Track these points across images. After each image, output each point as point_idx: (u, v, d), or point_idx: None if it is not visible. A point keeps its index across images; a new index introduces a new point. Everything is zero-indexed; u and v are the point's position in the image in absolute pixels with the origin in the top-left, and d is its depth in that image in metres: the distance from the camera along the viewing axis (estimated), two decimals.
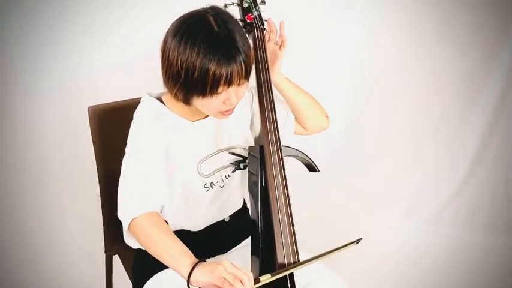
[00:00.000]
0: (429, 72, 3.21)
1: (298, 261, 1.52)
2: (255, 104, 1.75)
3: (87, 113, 1.88)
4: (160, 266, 1.60)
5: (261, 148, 1.58)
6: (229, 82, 1.41)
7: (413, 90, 3.25)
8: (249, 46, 1.47)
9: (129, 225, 1.46)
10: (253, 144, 1.75)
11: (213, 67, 1.37)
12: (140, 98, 1.63)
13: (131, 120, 1.58)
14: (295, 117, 1.80)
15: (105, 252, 2.03)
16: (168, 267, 1.47)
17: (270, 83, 1.63)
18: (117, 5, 2.64)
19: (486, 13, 3.05)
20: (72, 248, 2.83)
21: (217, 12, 1.45)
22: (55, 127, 2.73)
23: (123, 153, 1.56)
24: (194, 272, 1.32)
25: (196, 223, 1.73)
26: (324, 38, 3.06)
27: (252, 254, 1.59)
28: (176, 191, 1.63)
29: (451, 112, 3.28)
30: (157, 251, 1.42)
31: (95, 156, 1.90)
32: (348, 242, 1.47)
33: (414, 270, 2.91)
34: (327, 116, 1.84)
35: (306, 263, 1.45)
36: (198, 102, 1.47)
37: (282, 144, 1.60)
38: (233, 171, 1.72)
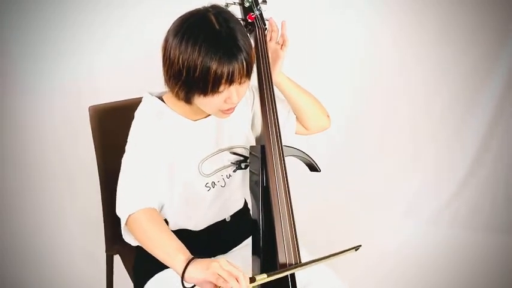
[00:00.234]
0: (429, 72, 3.21)
1: (300, 261, 1.52)
2: (256, 103, 1.75)
3: (87, 113, 1.88)
4: (161, 266, 1.60)
5: (262, 148, 1.59)
6: (230, 81, 1.41)
7: (413, 90, 3.25)
8: (251, 45, 1.48)
9: (127, 221, 1.46)
10: (254, 144, 1.75)
11: (214, 66, 1.37)
12: (141, 98, 1.63)
13: (132, 119, 1.58)
14: (296, 117, 1.80)
15: (106, 252, 2.03)
16: (169, 267, 1.47)
17: (272, 82, 1.63)
18: (117, 5, 2.63)
19: (486, 13, 3.05)
20: (72, 248, 2.83)
21: (218, 11, 1.45)
22: (55, 127, 2.73)
23: (124, 152, 1.56)
24: (189, 268, 1.32)
25: (197, 223, 1.73)
26: (324, 38, 3.06)
27: (253, 253, 1.60)
28: (177, 191, 1.63)
29: (451, 112, 3.29)
30: (153, 247, 1.42)
31: (96, 156, 1.91)
32: (346, 248, 1.47)
33: (414, 270, 2.91)
34: (328, 116, 1.84)
35: (304, 266, 1.44)
36: (199, 101, 1.47)
37: (283, 144, 1.60)
38: (234, 171, 1.72)
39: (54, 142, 2.76)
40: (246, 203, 1.91)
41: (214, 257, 1.78)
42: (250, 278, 1.30)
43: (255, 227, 1.59)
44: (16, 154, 2.73)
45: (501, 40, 3.10)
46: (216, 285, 1.29)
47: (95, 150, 1.90)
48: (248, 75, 1.47)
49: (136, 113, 1.59)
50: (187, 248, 1.45)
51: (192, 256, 1.36)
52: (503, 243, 3.10)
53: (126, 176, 1.52)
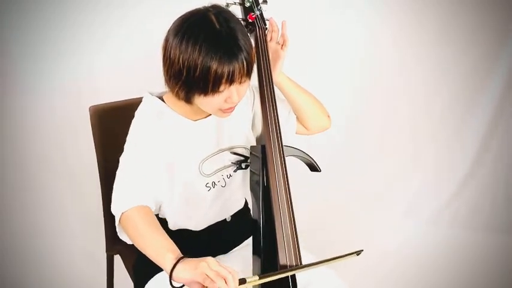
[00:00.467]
0: (429, 72, 3.21)
1: (300, 261, 1.52)
2: (257, 103, 1.75)
3: (87, 113, 1.88)
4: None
5: (263, 148, 1.58)
6: (230, 80, 1.41)
7: (413, 90, 3.25)
8: (251, 44, 1.47)
9: (120, 219, 1.46)
10: (254, 144, 1.75)
11: (214, 65, 1.37)
12: (141, 98, 1.63)
13: (132, 119, 1.58)
14: (296, 117, 1.80)
15: (106, 252, 2.02)
16: None
17: (272, 82, 1.63)
18: (117, 5, 2.63)
19: (486, 13, 3.05)
20: (73, 248, 2.83)
21: (218, 11, 1.45)
22: (55, 127, 2.73)
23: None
24: (177, 267, 1.30)
25: (198, 223, 1.73)
26: (324, 38, 3.07)
27: (253, 254, 1.59)
28: (177, 190, 1.63)
29: (451, 112, 3.29)
30: (143, 245, 1.41)
31: (96, 156, 1.91)
32: (348, 253, 1.46)
33: (414, 270, 2.91)
34: (328, 116, 1.84)
35: (299, 269, 1.45)
36: (200, 100, 1.47)
37: (283, 144, 1.60)
38: (235, 171, 1.72)
39: (55, 142, 2.76)
40: (246, 203, 1.91)
41: (214, 257, 1.76)
42: (240, 280, 1.27)
43: (255, 226, 1.58)
44: (16, 154, 2.73)
45: (501, 40, 3.10)
46: (203, 286, 1.27)
47: (96, 150, 1.90)
48: (248, 74, 1.47)
49: (137, 113, 1.59)
50: (188, 248, 1.45)
51: (182, 255, 1.34)
52: (503, 243, 3.10)
53: (122, 174, 1.52)
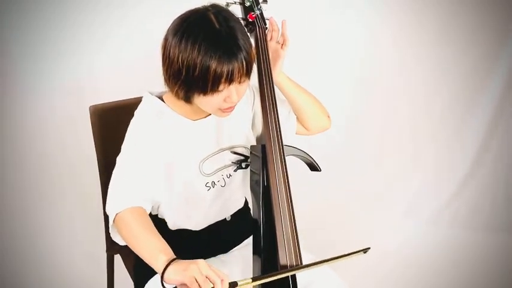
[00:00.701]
0: (429, 72, 3.21)
1: (300, 261, 1.52)
2: (257, 103, 1.75)
3: (87, 113, 1.88)
4: None
5: (263, 147, 1.58)
6: (230, 80, 1.41)
7: (413, 90, 3.26)
8: (250, 44, 1.47)
9: (114, 220, 1.46)
10: (254, 143, 1.75)
11: (213, 65, 1.37)
12: (141, 97, 1.63)
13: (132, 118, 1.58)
14: (296, 117, 1.80)
15: (106, 251, 2.02)
16: None
17: (272, 82, 1.63)
18: (117, 5, 2.64)
19: (486, 13, 3.06)
20: (73, 248, 2.83)
21: (218, 10, 1.45)
22: (55, 127, 2.73)
23: None
24: (168, 269, 1.30)
25: (197, 223, 1.72)
26: (324, 38, 3.07)
27: (253, 253, 1.60)
28: (176, 190, 1.63)
29: (451, 112, 3.29)
30: (137, 246, 1.41)
31: (97, 155, 1.90)
32: (355, 250, 1.46)
33: (414, 270, 2.91)
34: (328, 116, 1.84)
35: (300, 269, 1.45)
36: (199, 100, 1.47)
37: (284, 144, 1.60)
38: (235, 171, 1.72)
39: (55, 142, 2.76)
40: (246, 202, 1.90)
41: (214, 256, 1.78)
42: (231, 283, 1.27)
43: (255, 226, 1.58)
44: (16, 154, 2.73)
45: (501, 40, 3.11)
46: None
47: (96, 150, 1.90)
48: (248, 74, 1.46)
49: (136, 112, 1.58)
50: (188, 248, 1.45)
51: (174, 257, 1.33)
52: (503, 243, 3.10)
53: (117, 175, 1.52)
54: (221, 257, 1.79)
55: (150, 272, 1.66)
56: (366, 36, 3.12)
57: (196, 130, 1.63)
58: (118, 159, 1.54)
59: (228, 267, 1.71)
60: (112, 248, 2.01)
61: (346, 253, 1.44)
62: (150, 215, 1.53)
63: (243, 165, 1.71)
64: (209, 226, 1.74)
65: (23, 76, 2.64)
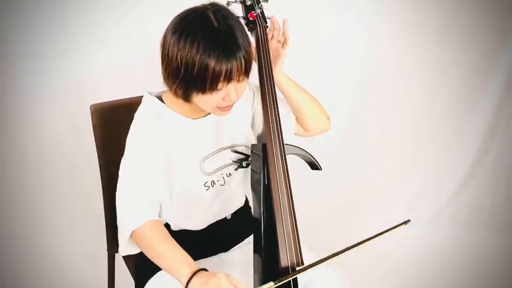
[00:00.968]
0: (429, 72, 3.22)
1: (301, 260, 1.52)
2: (257, 102, 1.75)
3: (87, 113, 1.88)
4: None
5: (264, 146, 1.58)
6: (228, 78, 1.41)
7: (413, 90, 3.26)
8: (249, 42, 1.47)
9: (131, 235, 1.51)
10: (254, 142, 1.75)
11: (212, 63, 1.37)
12: (141, 97, 1.63)
13: (133, 118, 1.58)
14: (296, 118, 1.79)
15: (107, 250, 2.02)
16: None
17: (273, 81, 1.63)
18: (117, 5, 2.64)
19: (486, 13, 3.06)
20: (74, 247, 2.83)
21: (217, 9, 1.45)
22: (55, 127, 2.73)
23: (124, 151, 1.57)
24: (191, 282, 1.38)
25: (198, 222, 1.73)
26: (324, 38, 3.07)
27: (254, 252, 1.60)
28: (176, 190, 1.62)
29: (451, 112, 3.29)
30: (159, 260, 1.49)
31: (97, 154, 1.90)
32: (396, 224, 1.59)
33: (414, 270, 2.90)
34: (328, 118, 1.83)
35: (320, 263, 1.45)
36: (198, 98, 1.47)
37: (284, 143, 1.59)
38: (236, 169, 1.72)
39: (55, 142, 2.76)
40: (247, 201, 1.91)
41: (215, 255, 1.79)
42: None
43: (256, 225, 1.58)
44: (16, 154, 2.73)
45: (501, 40, 3.11)
46: None
47: (97, 149, 1.90)
48: (247, 73, 1.46)
49: (136, 115, 1.58)
50: (189, 247, 1.46)
51: (197, 269, 1.40)
52: (503, 243, 3.10)
53: (125, 186, 1.54)
54: (222, 255, 1.79)
55: (150, 271, 1.66)
56: (366, 36, 3.13)
57: (196, 129, 1.63)
58: (121, 165, 1.55)
59: (228, 266, 1.72)
60: (113, 247, 2.01)
61: (387, 228, 1.55)
62: None
63: (244, 164, 1.71)
64: (209, 225, 1.74)
65: (23, 76, 2.64)
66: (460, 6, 3.05)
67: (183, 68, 1.40)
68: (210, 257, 1.75)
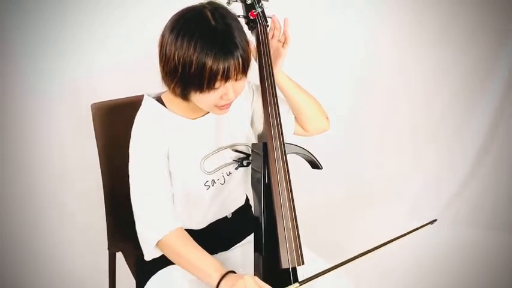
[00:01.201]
0: (429, 72, 3.22)
1: (302, 259, 1.52)
2: (256, 101, 1.75)
3: (87, 113, 1.88)
4: (163, 263, 1.63)
5: (265, 145, 1.58)
6: (226, 77, 1.41)
7: (413, 91, 3.26)
8: (247, 41, 1.47)
9: (156, 244, 1.53)
10: (254, 141, 1.75)
11: (209, 62, 1.37)
12: (142, 96, 1.63)
13: (134, 117, 1.58)
14: (295, 118, 1.79)
15: (108, 249, 2.02)
16: (172, 264, 1.57)
17: (274, 80, 1.63)
18: (117, 5, 2.63)
19: (486, 13, 3.06)
20: (75, 246, 2.83)
21: (215, 7, 1.45)
22: (55, 127, 2.73)
23: (125, 150, 1.57)
24: (220, 285, 1.43)
25: (198, 221, 1.73)
26: (324, 38, 3.07)
27: (255, 250, 1.60)
28: (176, 190, 1.63)
29: (451, 112, 3.30)
30: (188, 267, 1.52)
31: (98, 153, 1.90)
32: (422, 225, 1.65)
33: (414, 270, 2.91)
34: (327, 118, 1.84)
35: (349, 262, 1.48)
36: (196, 97, 1.47)
37: (285, 142, 1.60)
38: (236, 168, 1.72)
39: (55, 141, 2.76)
40: (247, 200, 1.91)
41: (216, 254, 1.79)
42: None
43: (257, 224, 1.58)
44: (17, 153, 2.73)
45: (501, 40, 3.11)
46: None
47: (98, 148, 1.90)
48: (244, 71, 1.46)
49: (136, 119, 1.59)
50: None
51: (225, 272, 1.45)
52: (503, 243, 3.11)
53: (141, 195, 1.55)
54: (222, 254, 1.80)
55: (151, 270, 1.67)
56: (366, 36, 3.13)
57: (196, 129, 1.63)
58: (131, 173, 1.56)
59: (229, 265, 1.72)
60: (114, 245, 2.01)
61: (413, 228, 1.61)
62: None
63: (244, 163, 1.71)
64: (210, 224, 1.75)
65: (23, 76, 2.64)
66: (460, 6, 3.05)
67: (180, 67, 1.40)
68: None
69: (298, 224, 1.53)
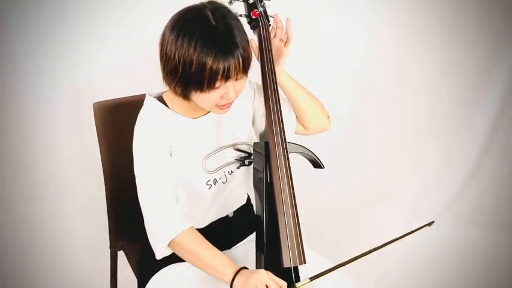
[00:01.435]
0: (429, 72, 3.22)
1: (304, 258, 1.53)
2: (257, 100, 1.75)
3: (87, 113, 1.88)
4: (165, 262, 1.63)
5: (266, 144, 1.58)
6: (226, 77, 1.41)
7: (414, 91, 3.27)
8: (247, 40, 1.48)
9: (168, 244, 1.53)
10: (255, 140, 1.75)
11: (209, 62, 1.37)
12: (144, 95, 1.63)
13: (136, 116, 1.58)
14: (296, 116, 1.79)
15: (110, 248, 2.03)
16: (173, 263, 1.59)
17: (276, 79, 1.63)
18: (117, 5, 2.63)
19: (487, 13, 3.06)
20: (76, 245, 2.83)
21: (215, 7, 1.45)
22: (56, 127, 2.73)
23: (127, 148, 1.57)
24: (234, 281, 1.43)
25: (200, 221, 1.73)
26: (324, 38, 3.07)
27: (256, 250, 1.60)
28: (179, 189, 1.63)
29: (452, 112, 3.30)
30: (201, 266, 1.52)
31: (100, 152, 1.91)
32: (420, 226, 1.65)
33: (414, 270, 2.91)
34: (328, 117, 1.84)
35: (353, 261, 1.50)
36: (196, 96, 1.47)
37: (287, 141, 1.60)
38: (238, 168, 1.72)
39: (55, 141, 2.76)
40: (249, 199, 1.91)
41: None
42: (289, 287, 1.42)
43: (258, 223, 1.58)
44: (17, 152, 2.73)
45: (502, 40, 3.11)
46: None
47: (99, 147, 1.90)
48: (245, 71, 1.46)
49: (138, 119, 1.59)
50: None
51: (239, 268, 1.46)
52: (504, 243, 3.11)
53: (149, 195, 1.55)
54: (224, 253, 1.78)
55: (153, 268, 1.68)
56: (366, 36, 3.13)
57: (197, 128, 1.63)
58: (138, 175, 1.56)
59: None
60: (115, 244, 2.02)
61: (411, 230, 1.62)
62: None
63: (246, 162, 1.71)
64: (212, 223, 1.75)
65: (23, 76, 2.64)
66: (461, 7, 3.05)
67: (180, 66, 1.40)
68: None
69: (299, 222, 1.54)
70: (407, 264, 2.93)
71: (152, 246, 1.56)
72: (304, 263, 1.52)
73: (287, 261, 1.51)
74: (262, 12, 1.70)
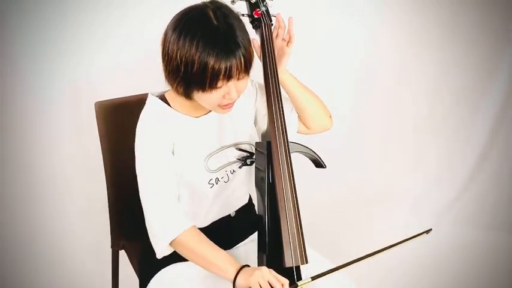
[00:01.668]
0: (429, 72, 3.22)
1: (306, 258, 1.53)
2: (259, 100, 1.75)
3: (88, 112, 1.88)
4: (166, 261, 1.64)
5: (268, 144, 1.58)
6: (228, 76, 1.42)
7: (414, 91, 3.26)
8: (249, 40, 1.48)
9: (170, 243, 1.54)
10: (257, 139, 1.74)
11: (211, 61, 1.37)
12: (146, 94, 1.63)
13: (137, 114, 1.58)
14: (298, 116, 1.79)
15: (111, 247, 2.03)
16: (175, 262, 1.60)
17: (278, 79, 1.63)
18: (117, 5, 2.63)
19: (487, 13, 3.06)
20: (77, 244, 2.82)
21: (217, 6, 1.46)
22: (56, 127, 2.73)
23: (129, 147, 1.58)
24: (237, 279, 1.45)
25: (201, 220, 1.72)
26: (324, 38, 3.07)
27: (258, 249, 1.60)
28: (181, 188, 1.63)
29: (452, 112, 3.30)
30: (203, 264, 1.53)
31: (102, 151, 1.90)
32: (418, 233, 1.63)
33: (414, 270, 2.90)
34: (330, 116, 1.84)
35: (355, 262, 1.48)
36: (198, 96, 1.47)
37: (289, 140, 1.60)
38: (240, 167, 1.72)
39: (55, 142, 2.76)
40: (250, 199, 1.91)
41: None
42: (292, 286, 1.41)
43: (260, 222, 1.59)
44: (17, 153, 2.73)
45: (502, 40, 3.12)
46: None
47: (101, 146, 1.90)
48: (247, 70, 1.47)
49: (141, 118, 1.59)
50: None
51: (241, 266, 1.47)
52: (503, 243, 3.11)
53: (151, 194, 1.55)
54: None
55: (155, 268, 1.68)
56: (366, 36, 3.13)
57: (199, 127, 1.64)
58: (140, 174, 1.56)
59: None
60: (117, 243, 2.02)
61: (409, 237, 1.60)
62: None
63: (248, 161, 1.71)
64: (213, 222, 1.75)
65: (23, 76, 2.63)
66: (461, 7, 3.05)
67: (182, 66, 1.41)
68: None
69: (301, 222, 1.54)
70: (407, 264, 2.92)
71: (153, 245, 1.57)
72: (306, 262, 1.53)
73: (289, 261, 1.51)
74: (265, 12, 1.69)
